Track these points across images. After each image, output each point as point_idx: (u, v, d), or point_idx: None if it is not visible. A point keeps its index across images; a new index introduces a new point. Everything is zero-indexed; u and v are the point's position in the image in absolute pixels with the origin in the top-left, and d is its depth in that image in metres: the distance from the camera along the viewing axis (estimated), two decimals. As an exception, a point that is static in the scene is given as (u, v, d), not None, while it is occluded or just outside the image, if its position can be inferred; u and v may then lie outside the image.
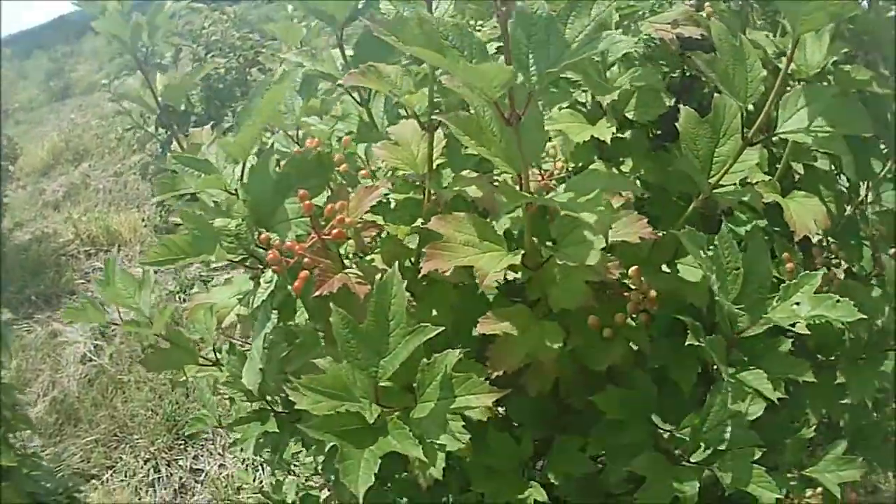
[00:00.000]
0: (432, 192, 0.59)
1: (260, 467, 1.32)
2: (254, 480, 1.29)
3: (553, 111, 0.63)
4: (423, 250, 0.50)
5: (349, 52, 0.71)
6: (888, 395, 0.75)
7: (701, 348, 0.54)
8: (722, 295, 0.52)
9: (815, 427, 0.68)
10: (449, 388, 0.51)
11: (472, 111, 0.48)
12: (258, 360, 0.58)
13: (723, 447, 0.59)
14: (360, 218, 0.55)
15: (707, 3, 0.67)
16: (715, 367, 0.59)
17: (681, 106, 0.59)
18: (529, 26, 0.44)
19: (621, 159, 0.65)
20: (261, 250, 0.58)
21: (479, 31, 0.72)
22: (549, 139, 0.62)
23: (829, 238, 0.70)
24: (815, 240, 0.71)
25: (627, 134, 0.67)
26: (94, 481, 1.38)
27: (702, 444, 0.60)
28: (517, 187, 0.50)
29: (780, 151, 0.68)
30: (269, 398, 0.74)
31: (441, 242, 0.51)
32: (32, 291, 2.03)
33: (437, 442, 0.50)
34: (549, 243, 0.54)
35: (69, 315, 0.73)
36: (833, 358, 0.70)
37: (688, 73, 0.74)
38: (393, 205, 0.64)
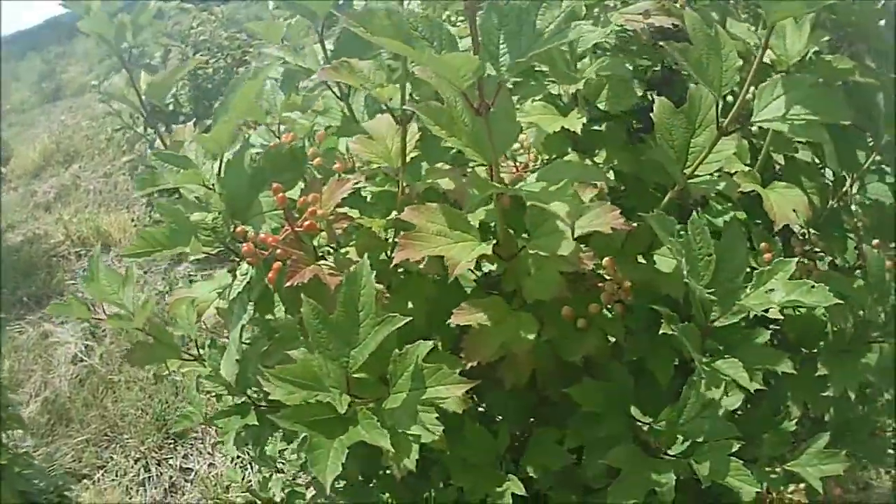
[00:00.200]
0: (406, 184, 0.60)
1: (248, 466, 1.33)
2: (242, 479, 1.30)
3: (527, 104, 0.64)
4: (396, 240, 0.51)
5: (330, 48, 0.72)
6: (876, 388, 0.76)
7: (677, 339, 0.54)
8: (693, 280, 0.53)
9: (797, 420, 0.69)
10: (420, 379, 0.52)
11: (445, 102, 0.49)
12: (235, 351, 0.60)
13: (701, 439, 0.59)
14: (333, 210, 0.56)
15: (681, -8, 0.67)
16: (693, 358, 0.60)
17: (655, 96, 0.60)
18: (501, 17, 0.45)
19: (596, 151, 0.66)
20: (238, 243, 0.59)
21: (456, 26, 0.73)
22: (522, 131, 0.63)
23: (810, 230, 0.70)
24: (798, 231, 0.72)
25: (603, 126, 0.68)
26: (85, 481, 1.41)
27: (679, 437, 0.60)
28: (489, 178, 0.51)
29: (760, 143, 0.69)
30: (250, 392, 0.75)
31: (413, 233, 0.52)
32: (24, 293, 2.06)
33: (411, 433, 0.51)
34: (523, 234, 0.55)
35: (54, 310, 0.75)
36: (816, 350, 0.70)
37: (668, 66, 0.75)
38: (369, 198, 0.65)
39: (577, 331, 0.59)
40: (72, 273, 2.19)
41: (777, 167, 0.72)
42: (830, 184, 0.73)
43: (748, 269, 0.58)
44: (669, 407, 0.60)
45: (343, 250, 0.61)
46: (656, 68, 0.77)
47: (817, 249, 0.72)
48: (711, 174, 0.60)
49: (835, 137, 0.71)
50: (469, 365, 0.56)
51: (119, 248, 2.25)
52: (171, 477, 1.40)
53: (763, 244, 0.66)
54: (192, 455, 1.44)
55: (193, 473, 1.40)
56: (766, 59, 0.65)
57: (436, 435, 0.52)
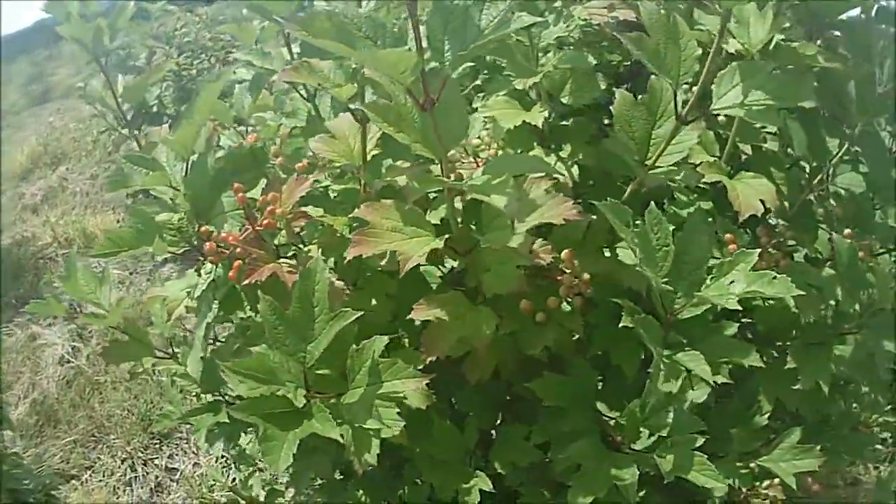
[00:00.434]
0: (367, 182, 0.62)
1: (232, 465, 1.37)
2: (227, 479, 1.34)
3: (490, 99, 0.66)
4: (351, 237, 0.53)
5: (297, 50, 0.75)
6: (855, 381, 0.77)
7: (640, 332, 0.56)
8: (650, 271, 0.54)
9: (773, 415, 0.70)
10: (377, 374, 0.55)
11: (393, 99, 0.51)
12: (199, 348, 0.63)
13: (665, 433, 0.61)
14: (292, 209, 0.59)
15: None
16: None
17: (616, 89, 0.61)
18: (447, 14, 0.47)
19: (562, 145, 0.68)
20: (204, 243, 0.62)
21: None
22: (486, 126, 0.65)
23: (780, 221, 0.72)
24: (775, 223, 0.73)
25: (571, 121, 0.70)
26: (73, 481, 1.46)
27: (644, 431, 0.62)
28: (442, 174, 0.53)
29: (728, 133, 0.70)
30: (223, 389, 0.78)
31: (367, 229, 0.54)
32: (13, 295, 2.13)
33: (371, 428, 0.54)
34: (480, 229, 0.57)
35: (33, 309, 0.79)
36: (789, 343, 0.71)
37: (638, 59, 0.76)
38: (333, 196, 0.67)
39: (537, 325, 0.61)
40: (59, 275, 2.24)
41: (746, 158, 0.73)
42: (807, 174, 0.74)
43: (715, 261, 0.59)
44: (636, 401, 0.61)
45: (306, 248, 0.64)
46: (628, 62, 0.78)
47: (792, 242, 0.73)
48: (672, 165, 0.62)
49: (806, 126, 0.72)
50: (429, 360, 0.58)
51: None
52: (156, 477, 1.44)
53: (728, 235, 0.67)
54: (177, 455, 1.48)
55: (179, 473, 1.45)
56: (732, 49, 0.67)
57: (396, 430, 0.54)
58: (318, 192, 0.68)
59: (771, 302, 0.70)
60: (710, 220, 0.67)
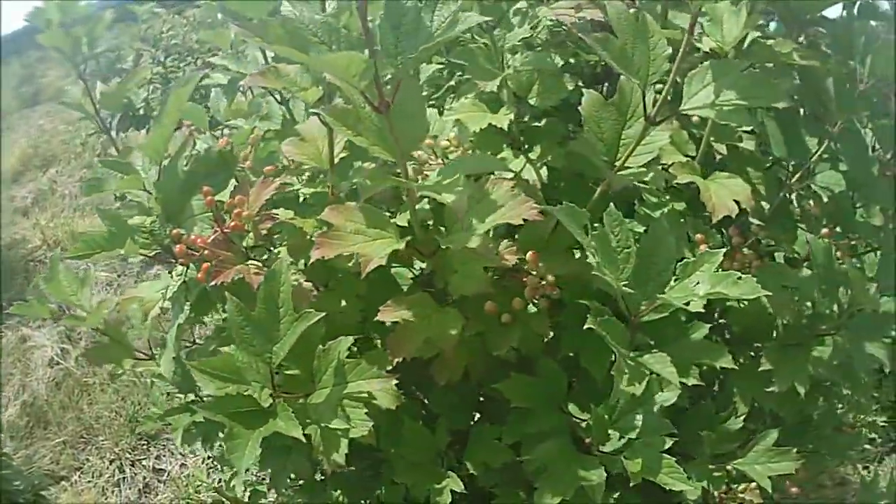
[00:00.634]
0: (334, 185, 0.65)
1: (218, 467, 1.41)
2: (215, 481, 1.38)
3: (457, 102, 0.68)
4: (314, 239, 0.56)
5: (272, 54, 0.78)
6: (840, 382, 0.78)
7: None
8: (609, 273, 0.56)
9: (745, 417, 0.71)
10: (342, 374, 0.57)
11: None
12: (172, 349, 0.66)
13: (634, 435, 0.62)
14: (259, 211, 0.61)
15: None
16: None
17: (585, 90, 0.63)
18: (399, 17, 0.49)
19: (533, 147, 0.69)
20: (175, 245, 0.65)
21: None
22: (453, 128, 0.67)
23: (756, 221, 0.73)
24: (754, 224, 0.74)
25: (543, 122, 0.71)
26: (63, 482, 1.51)
27: (612, 433, 0.64)
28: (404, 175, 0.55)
29: (702, 132, 0.71)
30: (197, 390, 0.81)
31: (332, 231, 0.56)
32: (4, 298, 2.19)
33: (339, 428, 0.56)
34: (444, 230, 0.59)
35: (18, 311, 0.82)
36: (767, 345, 0.72)
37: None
38: (303, 199, 0.70)
39: (502, 326, 0.63)
40: (43, 276, 2.30)
41: (721, 158, 0.74)
42: (788, 173, 0.75)
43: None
44: (605, 403, 0.63)
45: (276, 250, 0.66)
46: (604, 62, 0.79)
47: (772, 242, 0.74)
48: (642, 166, 0.63)
49: (784, 124, 0.73)
50: (398, 361, 0.60)
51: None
52: (144, 478, 1.49)
53: (698, 236, 0.68)
54: (164, 456, 1.53)
55: (166, 474, 1.49)
56: (706, 48, 0.68)
57: (364, 430, 0.57)
58: (290, 195, 0.70)
59: (745, 303, 0.71)
60: (682, 220, 0.69)
